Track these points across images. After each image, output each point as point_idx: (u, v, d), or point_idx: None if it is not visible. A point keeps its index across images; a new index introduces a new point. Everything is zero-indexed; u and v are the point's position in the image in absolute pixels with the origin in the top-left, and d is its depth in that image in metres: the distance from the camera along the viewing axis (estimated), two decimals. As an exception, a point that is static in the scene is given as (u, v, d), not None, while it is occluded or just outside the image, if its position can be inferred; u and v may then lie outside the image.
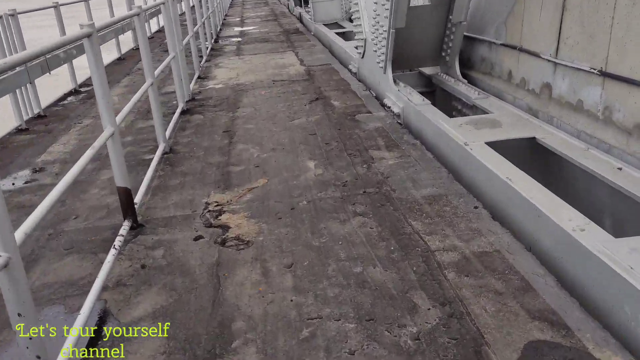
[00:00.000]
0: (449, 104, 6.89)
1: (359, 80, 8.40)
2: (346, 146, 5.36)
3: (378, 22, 6.84)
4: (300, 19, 18.69)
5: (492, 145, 4.49)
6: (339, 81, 8.35)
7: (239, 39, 14.47)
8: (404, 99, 6.17)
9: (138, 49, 14.96)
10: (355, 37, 8.43)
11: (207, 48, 12.40)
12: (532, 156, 4.71)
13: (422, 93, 6.91)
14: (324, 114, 6.57)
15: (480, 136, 4.70)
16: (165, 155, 5.49)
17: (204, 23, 12.22)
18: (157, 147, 5.46)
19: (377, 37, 7.01)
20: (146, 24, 14.74)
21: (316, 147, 5.40)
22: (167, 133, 6.01)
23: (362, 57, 8.21)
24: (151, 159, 5.05)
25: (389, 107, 6.46)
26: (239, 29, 17.18)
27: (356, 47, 8.75)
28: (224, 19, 20.43)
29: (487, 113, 5.48)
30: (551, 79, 5.21)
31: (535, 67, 5.49)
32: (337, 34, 12.57)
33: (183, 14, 20.63)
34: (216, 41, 14.42)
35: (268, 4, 27.41)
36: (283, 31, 15.42)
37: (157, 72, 5.87)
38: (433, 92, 7.58)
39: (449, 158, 4.84)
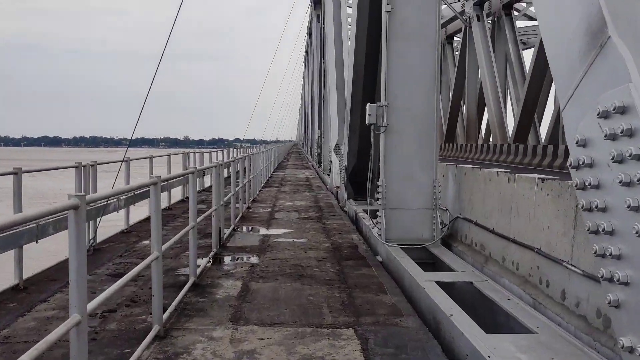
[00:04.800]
0: None
1: None
2: None
3: None
4: (356, 222, 12.50)
5: None
6: None
7: (255, 261, 8.36)
8: None
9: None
10: None
11: (182, 293, 6.21)
12: None
13: None
14: None
15: None
16: None
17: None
18: None
19: None
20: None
21: None
22: None
23: None
24: None
25: None
26: (264, 232, 11.25)
27: None
28: (249, 207, 14.80)
29: None
30: None
31: None
32: (441, 285, 6.27)
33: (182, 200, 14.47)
34: (216, 259, 8.36)
35: (312, 188, 22.10)
36: (330, 249, 9.32)
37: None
38: None
39: None
